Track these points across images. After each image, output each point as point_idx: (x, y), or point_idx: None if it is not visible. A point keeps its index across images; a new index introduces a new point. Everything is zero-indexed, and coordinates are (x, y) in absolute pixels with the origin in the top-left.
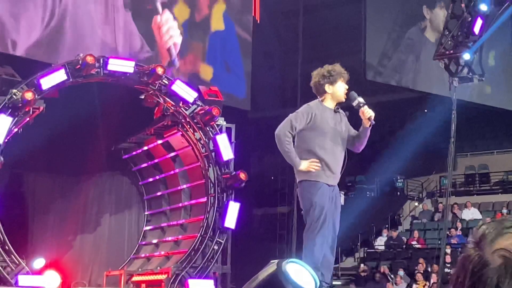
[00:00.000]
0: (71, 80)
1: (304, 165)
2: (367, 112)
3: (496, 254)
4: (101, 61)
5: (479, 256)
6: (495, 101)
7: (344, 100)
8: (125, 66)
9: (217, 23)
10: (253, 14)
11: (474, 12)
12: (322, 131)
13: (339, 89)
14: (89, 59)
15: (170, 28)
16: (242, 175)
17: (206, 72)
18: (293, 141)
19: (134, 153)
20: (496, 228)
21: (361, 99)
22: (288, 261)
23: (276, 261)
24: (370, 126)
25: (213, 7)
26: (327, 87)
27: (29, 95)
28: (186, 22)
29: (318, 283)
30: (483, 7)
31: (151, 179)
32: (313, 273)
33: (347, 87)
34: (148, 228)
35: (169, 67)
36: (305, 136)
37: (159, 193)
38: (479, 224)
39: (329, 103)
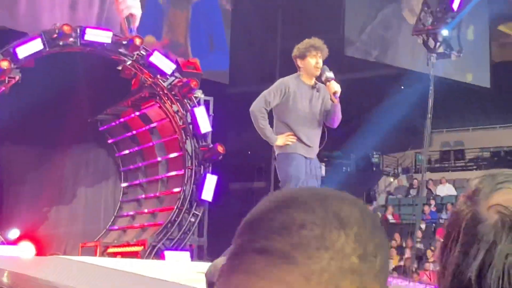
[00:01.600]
0: (47, 49)
1: (280, 140)
2: (332, 87)
3: (491, 209)
4: (78, 31)
5: (473, 212)
6: (472, 78)
7: (316, 74)
8: (102, 37)
9: None
10: None
11: None
12: (295, 106)
13: (308, 65)
14: (66, 28)
15: None
16: (220, 148)
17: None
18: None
19: (110, 125)
20: (490, 183)
21: (329, 74)
22: None
23: None
24: (336, 102)
25: None
26: (299, 62)
27: (5, 64)
28: None
29: None
30: None
31: (128, 151)
32: None
33: (319, 61)
34: (124, 200)
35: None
36: (280, 110)
37: (136, 165)
38: (470, 179)
39: (306, 78)
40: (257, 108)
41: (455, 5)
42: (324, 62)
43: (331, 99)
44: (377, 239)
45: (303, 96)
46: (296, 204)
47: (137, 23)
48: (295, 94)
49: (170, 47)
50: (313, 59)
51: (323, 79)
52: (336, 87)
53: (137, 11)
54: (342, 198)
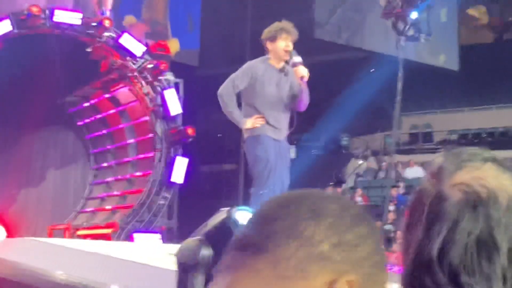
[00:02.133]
0: (16, 31)
1: (248, 123)
2: (300, 72)
3: (455, 188)
4: (47, 12)
5: (437, 190)
6: (443, 60)
7: (286, 58)
8: (72, 18)
9: None
10: None
11: None
12: (263, 90)
13: (278, 47)
14: (35, 9)
15: None
16: (190, 130)
17: (173, 46)
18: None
19: (80, 107)
20: (454, 161)
21: (297, 59)
22: (238, 208)
23: (225, 208)
24: (304, 87)
25: None
26: (269, 45)
27: None
28: None
29: None
30: None
31: (97, 134)
32: None
33: (290, 45)
34: (94, 182)
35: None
36: (248, 94)
37: (105, 148)
38: (435, 157)
39: (274, 62)
40: (225, 91)
41: None
42: (294, 45)
43: (298, 83)
44: (361, 230)
45: (271, 80)
46: (275, 202)
47: (109, 5)
48: (263, 78)
49: (150, 26)
50: (283, 42)
51: (290, 63)
52: (303, 71)
53: None
54: (321, 195)
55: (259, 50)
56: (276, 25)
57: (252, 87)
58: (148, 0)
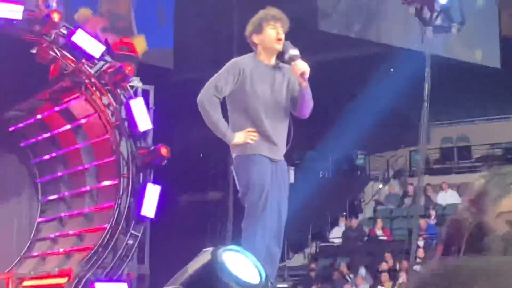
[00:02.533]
0: None
1: (238, 137)
2: (298, 68)
3: (501, 218)
4: None
5: (478, 221)
6: (480, 56)
7: (278, 49)
8: (11, 11)
9: None
10: None
11: None
12: (254, 91)
13: (267, 38)
14: None
15: None
16: (163, 151)
17: (139, 44)
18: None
19: (23, 123)
20: (498, 184)
21: (293, 52)
22: (226, 249)
23: (210, 249)
24: (305, 86)
25: None
26: (255, 38)
27: None
28: None
29: (264, 276)
30: None
31: (46, 157)
32: (257, 263)
33: (281, 32)
34: (43, 219)
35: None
36: (236, 98)
37: (56, 175)
38: (476, 178)
39: (265, 57)
40: (206, 97)
41: None
42: (292, 39)
43: (298, 83)
44: None
45: (263, 79)
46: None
47: None
48: (252, 76)
49: (109, 20)
50: (272, 30)
51: (286, 58)
52: (303, 66)
53: None
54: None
55: (249, 49)
56: (260, 13)
57: (240, 89)
58: None
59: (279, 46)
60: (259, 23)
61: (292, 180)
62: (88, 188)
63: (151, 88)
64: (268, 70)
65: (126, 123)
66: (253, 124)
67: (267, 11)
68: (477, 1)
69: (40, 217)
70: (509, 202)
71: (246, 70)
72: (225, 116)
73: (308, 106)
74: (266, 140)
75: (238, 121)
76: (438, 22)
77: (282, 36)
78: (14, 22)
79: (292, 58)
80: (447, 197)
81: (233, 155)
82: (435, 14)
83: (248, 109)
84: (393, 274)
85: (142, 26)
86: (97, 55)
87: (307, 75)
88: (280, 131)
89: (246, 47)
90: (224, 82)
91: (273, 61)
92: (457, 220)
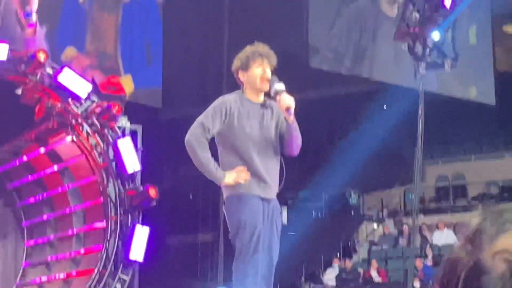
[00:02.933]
0: None
1: (229, 177)
2: (283, 102)
3: (497, 257)
4: None
5: (475, 260)
6: (474, 92)
7: (265, 89)
8: None
9: None
10: None
11: None
12: (243, 129)
13: (253, 77)
14: None
15: None
16: (152, 192)
17: (126, 84)
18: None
19: (9, 165)
20: (494, 222)
21: (279, 86)
22: None
23: None
24: (291, 120)
25: None
26: (241, 75)
27: None
28: None
29: None
30: None
31: (32, 200)
32: None
33: (267, 71)
34: (29, 263)
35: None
36: (224, 137)
37: (43, 218)
38: (472, 216)
39: (251, 95)
40: (194, 137)
41: (447, 1)
42: (283, 76)
43: (285, 118)
44: None
45: (251, 117)
46: None
47: (35, 5)
48: (240, 114)
49: (96, 59)
50: (258, 68)
51: (272, 93)
52: (288, 100)
53: None
54: None
55: (239, 86)
56: (247, 49)
57: (228, 127)
58: (93, 27)
59: (265, 87)
60: (246, 60)
61: (285, 221)
62: (75, 231)
63: (139, 128)
64: (256, 108)
65: (114, 164)
66: (243, 163)
67: (254, 48)
68: (470, 37)
69: (26, 261)
70: (506, 240)
71: (233, 108)
72: (215, 155)
73: (295, 143)
74: (257, 179)
75: (229, 160)
76: (431, 58)
77: (268, 74)
78: None
79: (277, 93)
80: (443, 237)
81: (224, 195)
82: (427, 50)
83: (238, 148)
84: None
85: (129, 65)
86: (83, 95)
87: (292, 110)
88: (271, 170)
89: (236, 84)
90: (212, 121)
91: (261, 98)
92: (454, 259)
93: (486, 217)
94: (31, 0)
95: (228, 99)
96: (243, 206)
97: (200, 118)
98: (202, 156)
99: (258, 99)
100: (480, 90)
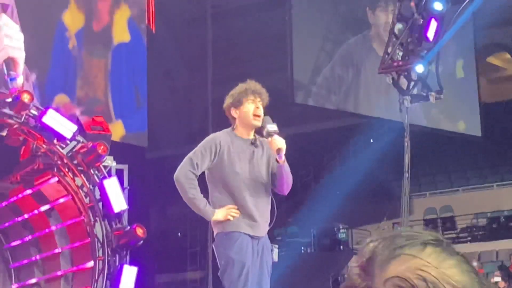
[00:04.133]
0: None
1: (219, 214)
2: (275, 144)
3: (388, 284)
4: None
5: (368, 287)
6: (461, 125)
7: (257, 125)
8: None
9: (121, 33)
10: (146, 22)
11: (426, 12)
12: (233, 168)
13: (245, 113)
14: None
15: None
16: (139, 231)
17: (117, 130)
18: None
19: None
20: (386, 248)
21: (271, 127)
22: None
23: None
24: (282, 162)
25: (114, 13)
26: (233, 112)
27: None
28: (81, 32)
29: None
30: (438, 6)
31: (18, 241)
32: None
33: (260, 107)
34: None
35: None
36: (213, 176)
37: (30, 259)
38: (366, 241)
39: (242, 132)
40: (183, 173)
41: (430, 34)
42: (269, 112)
43: (276, 159)
44: None
45: (241, 154)
46: None
47: (20, 69)
48: (230, 152)
49: (86, 105)
50: (251, 105)
51: (264, 133)
52: (279, 143)
53: (19, 54)
54: None
55: (225, 123)
56: (239, 86)
57: (218, 165)
58: (83, 73)
59: (257, 123)
60: (238, 97)
61: (275, 259)
62: (62, 272)
63: (125, 167)
64: (246, 145)
65: (100, 204)
66: (233, 201)
67: (247, 85)
68: (457, 71)
69: None
70: (395, 267)
71: (223, 146)
72: (206, 192)
73: (286, 183)
74: (247, 217)
75: (219, 198)
76: (416, 91)
77: (261, 112)
78: None
79: (270, 134)
80: None
81: (214, 232)
82: (412, 83)
83: (228, 185)
84: None
85: (120, 110)
86: (68, 135)
87: (283, 152)
88: (261, 208)
89: (221, 122)
90: (200, 158)
91: (251, 135)
92: (347, 285)
93: (380, 242)
94: (16, 63)
95: (218, 136)
96: (232, 243)
97: (189, 155)
98: (190, 192)
99: (249, 136)
100: (466, 122)
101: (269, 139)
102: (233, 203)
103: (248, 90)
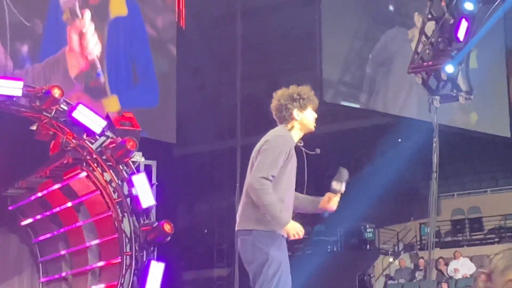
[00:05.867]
0: None
1: (292, 227)
2: (333, 205)
3: (508, 286)
4: None
5: None
6: (489, 126)
7: (313, 130)
8: (11, 88)
9: (118, 7)
10: (176, 20)
11: (457, 12)
12: (291, 173)
13: (308, 117)
14: None
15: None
16: (167, 227)
17: (111, 105)
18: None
19: (24, 201)
20: (508, 257)
21: (342, 187)
22: None
23: None
24: (323, 214)
25: None
26: (296, 113)
27: None
28: (76, 4)
29: None
30: (469, 6)
31: (47, 235)
32: None
33: (316, 116)
34: None
35: None
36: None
37: (58, 254)
38: (494, 254)
39: (296, 133)
40: (257, 179)
41: (460, 34)
42: None
43: (321, 206)
44: None
45: (295, 159)
46: None
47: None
48: (293, 156)
49: (80, 79)
50: (312, 112)
51: (336, 187)
52: (335, 206)
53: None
54: None
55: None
56: (303, 90)
57: (282, 168)
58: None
59: (313, 128)
60: (305, 102)
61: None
62: (90, 266)
63: (153, 163)
64: (296, 147)
65: (128, 200)
66: (283, 202)
67: (308, 91)
68: (486, 70)
69: None
70: None
71: (292, 151)
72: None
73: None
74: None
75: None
76: (445, 91)
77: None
78: (14, 98)
79: (336, 191)
80: (459, 267)
81: (247, 227)
82: (441, 83)
83: (281, 187)
84: None
85: (115, 85)
86: (98, 130)
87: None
88: (291, 211)
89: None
90: (282, 160)
91: (299, 138)
92: None
93: (503, 255)
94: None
95: (289, 137)
96: (272, 242)
97: (272, 157)
98: (267, 198)
99: (298, 138)
100: (495, 123)
101: (331, 195)
102: (282, 204)
103: (311, 96)
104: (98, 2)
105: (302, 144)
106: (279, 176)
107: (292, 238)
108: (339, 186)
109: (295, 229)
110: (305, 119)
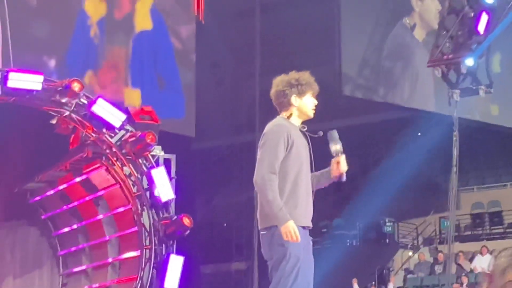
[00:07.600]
0: None
1: (291, 226)
2: (343, 166)
3: (507, 286)
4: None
5: None
6: (506, 119)
7: (312, 117)
8: (31, 82)
9: (143, 21)
10: (195, 13)
11: (477, 5)
12: (299, 156)
13: (307, 103)
14: None
15: None
16: (186, 221)
17: (132, 97)
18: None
19: (44, 195)
20: (508, 258)
21: (340, 147)
22: None
23: None
24: (341, 180)
25: (137, 1)
26: (294, 99)
27: None
28: (102, 20)
29: None
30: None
31: (67, 229)
32: None
33: (316, 102)
34: None
35: None
36: (281, 165)
37: (78, 247)
38: (498, 254)
39: (295, 120)
40: (267, 175)
41: (480, 27)
42: (317, 104)
43: (332, 173)
44: None
45: (301, 142)
46: None
47: None
48: (297, 142)
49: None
50: (311, 99)
51: (332, 148)
52: (345, 165)
53: None
54: None
55: (273, 115)
56: (302, 76)
57: (287, 155)
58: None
59: (312, 114)
60: (303, 88)
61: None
62: (110, 260)
63: (172, 157)
64: (300, 133)
65: (148, 193)
66: (292, 189)
67: (308, 78)
68: (493, 67)
69: None
70: None
71: (293, 136)
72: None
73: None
74: (303, 207)
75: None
76: (465, 84)
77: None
78: (34, 92)
79: (337, 153)
80: (484, 262)
81: (266, 224)
82: (461, 77)
83: (290, 174)
84: None
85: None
86: (117, 124)
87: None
88: (310, 197)
89: (269, 114)
90: (281, 151)
91: (300, 124)
92: None
93: (505, 255)
94: None
95: (286, 125)
96: None
97: (270, 150)
98: (270, 194)
99: (299, 124)
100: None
101: (336, 158)
102: (291, 191)
103: (310, 81)
104: (123, 17)
105: (305, 129)
106: (285, 165)
107: (285, 238)
108: (337, 147)
109: (291, 232)
110: (304, 105)
